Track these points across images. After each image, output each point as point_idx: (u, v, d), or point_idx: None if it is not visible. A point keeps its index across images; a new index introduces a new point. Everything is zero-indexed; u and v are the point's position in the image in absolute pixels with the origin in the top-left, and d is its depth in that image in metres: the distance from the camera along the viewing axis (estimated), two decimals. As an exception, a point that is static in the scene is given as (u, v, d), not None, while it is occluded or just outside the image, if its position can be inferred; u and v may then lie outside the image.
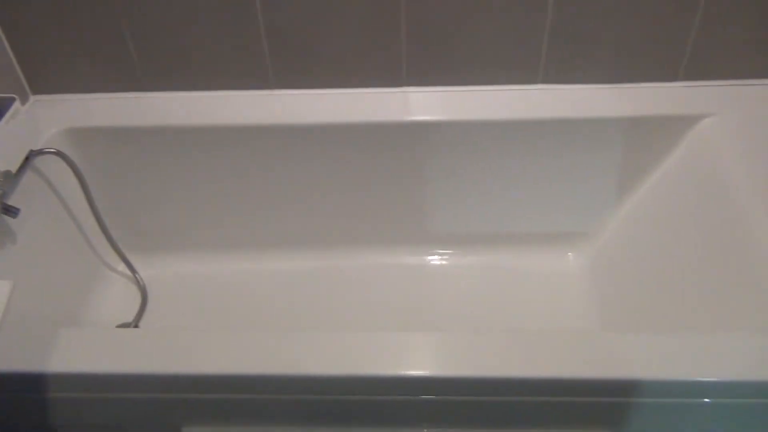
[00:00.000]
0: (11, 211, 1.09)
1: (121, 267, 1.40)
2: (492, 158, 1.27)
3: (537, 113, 1.21)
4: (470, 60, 1.22)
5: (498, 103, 1.23)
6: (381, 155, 1.27)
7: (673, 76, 1.22)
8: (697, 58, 1.19)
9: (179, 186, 1.34)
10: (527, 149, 1.25)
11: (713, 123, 1.17)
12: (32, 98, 1.30)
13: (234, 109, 1.26)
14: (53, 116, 1.26)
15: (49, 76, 1.27)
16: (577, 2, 1.13)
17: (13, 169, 1.12)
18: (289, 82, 1.26)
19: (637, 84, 1.24)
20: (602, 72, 1.22)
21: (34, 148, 1.18)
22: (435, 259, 1.38)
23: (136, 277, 1.38)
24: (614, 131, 1.22)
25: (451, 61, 1.22)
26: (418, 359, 0.84)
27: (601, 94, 1.23)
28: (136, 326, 1.32)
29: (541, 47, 1.19)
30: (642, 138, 1.22)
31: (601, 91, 1.23)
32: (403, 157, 1.27)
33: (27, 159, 1.17)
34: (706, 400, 0.83)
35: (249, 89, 1.28)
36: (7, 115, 1.12)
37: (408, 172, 1.29)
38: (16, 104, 1.14)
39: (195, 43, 1.21)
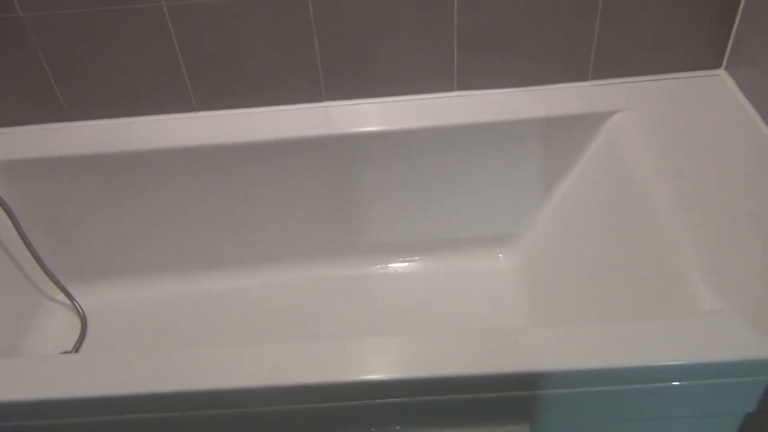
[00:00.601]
0: (-64, 248, 1.10)
1: (60, 296, 1.41)
2: (417, 166, 1.30)
3: (455, 119, 1.25)
4: (386, 72, 1.25)
5: (417, 112, 1.26)
6: (306, 170, 1.29)
7: (583, 76, 1.26)
8: (603, 57, 1.24)
9: (112, 213, 1.35)
10: (450, 156, 1.29)
11: (622, 118, 1.21)
12: (-43, 135, 1.31)
13: (160, 133, 1.28)
14: (-21, 151, 1.27)
15: (-28, 111, 1.28)
16: (479, 8, 1.17)
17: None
18: (211, 103, 1.28)
19: (551, 85, 1.28)
20: (515, 76, 1.26)
21: (-41, 184, 1.19)
22: (369, 268, 1.41)
23: (75, 306, 1.39)
24: (531, 132, 1.26)
25: (368, 73, 1.25)
26: (356, 365, 0.85)
27: (517, 98, 1.27)
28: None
29: (452, 55, 1.23)
30: (558, 137, 1.26)
31: (516, 94, 1.27)
32: (328, 171, 1.29)
33: (-49, 195, 1.18)
34: (624, 386, 0.86)
35: (173, 113, 1.30)
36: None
37: (335, 185, 1.32)
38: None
39: (114, 69, 1.23)
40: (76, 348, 1.34)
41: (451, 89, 1.28)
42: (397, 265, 1.41)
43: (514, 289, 1.34)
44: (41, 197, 1.32)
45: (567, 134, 1.25)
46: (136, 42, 1.20)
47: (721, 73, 1.26)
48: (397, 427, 0.91)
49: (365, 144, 1.26)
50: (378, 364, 0.85)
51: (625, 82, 1.27)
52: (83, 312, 1.39)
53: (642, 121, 1.19)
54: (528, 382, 0.85)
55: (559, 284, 1.25)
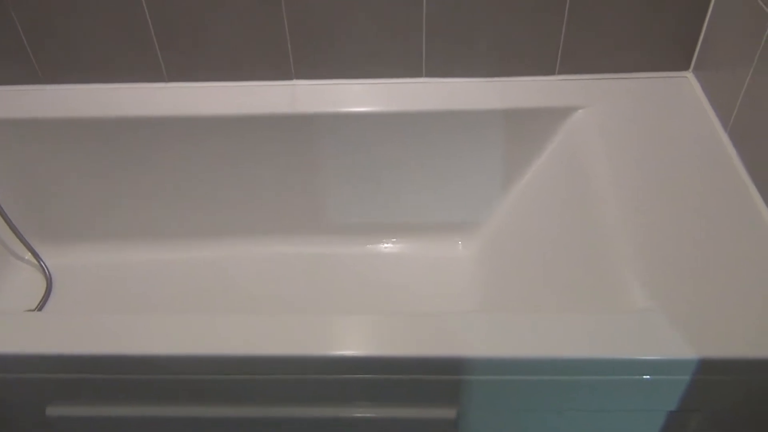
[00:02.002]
0: None
1: (28, 256, 1.44)
2: (381, 150, 1.31)
3: (422, 105, 1.26)
4: (355, 54, 1.26)
5: (385, 96, 1.28)
6: (272, 147, 1.31)
7: (550, 71, 1.27)
8: (571, 53, 1.24)
9: (82, 176, 1.37)
10: (415, 141, 1.30)
11: (585, 114, 1.22)
12: (-67, 91, 1.33)
13: (130, 101, 1.29)
14: (-48, 109, 1.30)
15: (-53, 69, 1.30)
16: (448, -2, 1.18)
17: None
18: (181, 75, 1.30)
19: (517, 78, 1.28)
20: (483, 66, 1.27)
21: (-72, 140, 1.21)
22: (329, 248, 1.43)
23: (41, 266, 1.42)
24: (496, 123, 1.27)
25: (337, 54, 1.26)
26: (286, 339, 0.87)
27: (482, 88, 1.28)
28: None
29: (421, 41, 1.24)
30: (522, 129, 1.27)
31: (483, 84, 1.28)
32: (295, 149, 1.31)
33: None
34: (549, 377, 0.88)
35: (144, 82, 1.31)
36: None
37: (300, 164, 1.33)
38: None
39: (88, 36, 1.25)
40: (40, 307, 1.37)
41: (419, 75, 1.29)
42: (356, 247, 1.43)
43: (470, 276, 1.36)
44: (12, 158, 1.34)
45: (530, 127, 1.26)
46: (110, 10, 1.21)
47: (689, 75, 1.27)
48: (328, 403, 0.93)
49: (331, 124, 1.28)
50: (308, 341, 0.87)
51: (591, 79, 1.27)
52: (49, 272, 1.42)
53: (604, 118, 1.20)
54: (456, 367, 0.87)
55: (513, 274, 1.27)
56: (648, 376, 0.86)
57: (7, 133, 1.31)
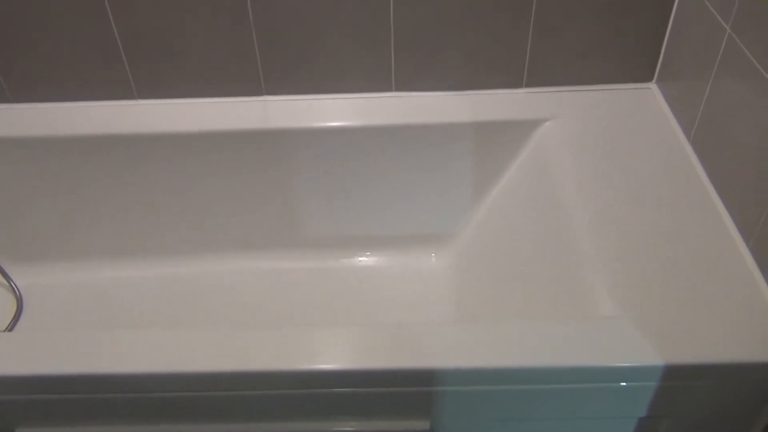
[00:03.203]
0: None
1: (-3, 276, 1.42)
2: (353, 164, 1.32)
3: (391, 119, 1.27)
4: (325, 69, 1.27)
5: (354, 110, 1.29)
6: (244, 163, 1.31)
7: (517, 84, 1.29)
8: (537, 66, 1.27)
9: (52, 195, 1.36)
10: (386, 155, 1.31)
11: (552, 126, 1.24)
12: None
13: (100, 119, 1.29)
14: None
15: None
16: (415, 11, 1.19)
17: None
18: (151, 92, 1.30)
19: (486, 91, 1.30)
20: (451, 80, 1.29)
21: None
22: (304, 263, 1.43)
23: (11, 285, 1.40)
24: (465, 136, 1.28)
25: (307, 69, 1.27)
26: (258, 354, 0.87)
27: (452, 101, 1.29)
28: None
29: (389, 56, 1.25)
30: (491, 142, 1.28)
31: (452, 98, 1.30)
32: (267, 164, 1.31)
33: None
34: (518, 386, 0.89)
35: (114, 99, 1.31)
36: None
37: (272, 179, 1.34)
38: None
39: (57, 53, 1.24)
40: (10, 327, 1.35)
41: (388, 89, 1.30)
42: (330, 261, 1.43)
43: (444, 288, 1.37)
44: (-20, 177, 1.32)
45: (499, 139, 1.28)
46: (78, 27, 1.21)
47: (652, 86, 1.30)
48: (299, 418, 0.93)
49: (303, 139, 1.28)
50: (282, 356, 0.87)
51: (557, 91, 1.30)
52: (19, 292, 1.40)
53: (571, 129, 1.22)
54: (428, 378, 0.87)
55: (486, 284, 1.28)
56: (617, 383, 0.87)
57: (-26, 153, 1.29)
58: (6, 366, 0.88)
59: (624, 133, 1.21)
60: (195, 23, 1.21)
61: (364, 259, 1.43)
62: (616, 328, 0.89)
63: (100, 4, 1.18)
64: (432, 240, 1.42)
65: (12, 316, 1.37)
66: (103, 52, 1.24)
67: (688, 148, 1.16)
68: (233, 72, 1.27)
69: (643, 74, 1.29)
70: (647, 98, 1.28)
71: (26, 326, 1.36)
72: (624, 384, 0.87)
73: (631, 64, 1.27)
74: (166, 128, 1.27)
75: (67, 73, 1.27)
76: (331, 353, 0.88)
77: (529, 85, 1.29)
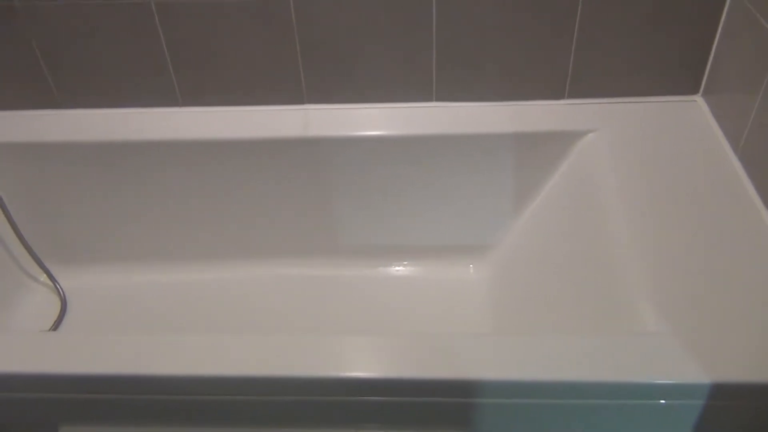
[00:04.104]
0: None
1: (43, 277, 1.45)
2: (392, 173, 1.32)
3: (431, 129, 1.27)
4: (366, 78, 1.28)
5: (394, 120, 1.29)
6: (285, 170, 1.32)
7: (560, 95, 1.28)
8: (580, 77, 1.25)
9: (97, 199, 1.39)
10: (426, 165, 1.31)
11: (594, 138, 1.23)
12: (-47, 115, 1.36)
13: (144, 125, 1.32)
14: (-29, 133, 1.32)
15: (-31, 94, 1.33)
16: (458, 22, 1.19)
17: None
18: (194, 99, 1.32)
19: (527, 102, 1.29)
20: (493, 90, 1.28)
21: (-52, 163, 1.23)
22: (340, 271, 1.43)
23: (56, 287, 1.43)
24: (506, 147, 1.27)
25: (348, 79, 1.28)
26: (294, 361, 0.88)
27: (493, 112, 1.29)
28: (52, 334, 1.37)
29: (431, 66, 1.25)
30: (532, 153, 1.28)
31: (493, 108, 1.29)
32: (306, 172, 1.32)
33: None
34: (558, 401, 0.87)
35: (159, 106, 1.33)
36: None
37: (312, 187, 1.35)
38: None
39: (104, 60, 1.27)
40: (55, 327, 1.38)
41: (429, 99, 1.30)
42: (367, 270, 1.43)
43: (481, 299, 1.36)
44: (29, 181, 1.36)
45: (541, 150, 1.27)
46: (126, 36, 1.24)
47: (698, 99, 1.28)
48: (333, 425, 0.93)
49: (342, 148, 1.29)
50: (317, 362, 0.88)
51: (600, 103, 1.28)
52: (64, 293, 1.43)
53: (614, 142, 1.21)
54: (463, 390, 0.87)
55: (524, 297, 1.27)
56: (660, 401, 0.85)
57: (24, 157, 1.33)
58: (50, 365, 0.90)
59: (668, 146, 1.19)
60: (240, 33, 1.23)
61: (401, 269, 1.43)
62: (658, 344, 0.87)
63: (149, 14, 1.21)
64: (470, 251, 1.41)
65: (56, 316, 1.40)
66: (149, 60, 1.27)
67: (736, 162, 1.13)
68: (276, 81, 1.29)
69: (688, 86, 1.27)
70: (693, 111, 1.26)
71: (69, 326, 1.39)
72: (667, 401, 0.85)
73: (676, 76, 1.25)
74: (208, 135, 1.29)
75: (114, 80, 1.30)
76: (365, 361, 0.88)
77: (571, 96, 1.28)
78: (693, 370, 0.84)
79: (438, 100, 1.30)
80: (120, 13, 1.21)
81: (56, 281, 1.43)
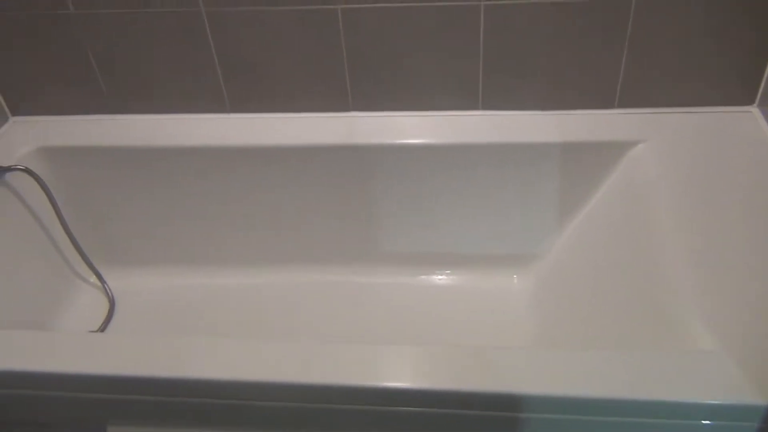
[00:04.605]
0: (-22, 224, 1.19)
1: (92, 278, 1.49)
2: (437, 181, 1.32)
3: (477, 138, 1.26)
4: (412, 86, 1.28)
5: (440, 128, 1.29)
6: (329, 176, 1.33)
7: (609, 104, 1.26)
8: (631, 85, 1.23)
9: (145, 203, 1.42)
10: (472, 173, 1.30)
11: (645, 149, 1.20)
12: (11, 119, 1.40)
13: (193, 131, 1.34)
14: (28, 136, 1.36)
15: (25, 99, 1.37)
16: (505, 30, 1.18)
17: (-19, 184, 1.22)
18: (242, 106, 1.34)
19: (575, 111, 1.27)
20: (541, 99, 1.27)
21: (4, 166, 1.27)
22: (382, 278, 1.43)
23: (105, 288, 1.47)
24: (553, 156, 1.26)
25: (394, 87, 1.28)
26: (336, 369, 0.88)
27: (540, 121, 1.27)
28: (100, 334, 1.40)
29: (477, 74, 1.24)
30: (580, 163, 1.26)
31: (540, 117, 1.28)
32: (351, 179, 1.33)
33: (-3, 175, 1.26)
34: (605, 418, 0.86)
35: (207, 113, 1.36)
36: (-22, 135, 1.22)
37: (356, 194, 1.35)
38: (-12, 125, 1.24)
39: (155, 68, 1.30)
40: (103, 328, 1.41)
41: (475, 107, 1.29)
42: (408, 278, 1.43)
43: (525, 310, 1.34)
44: (80, 183, 1.39)
45: (588, 161, 1.25)
46: (176, 43, 1.26)
47: (753, 110, 1.24)
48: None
49: (387, 155, 1.29)
50: (357, 371, 0.88)
51: (651, 113, 1.25)
52: (112, 294, 1.46)
53: (665, 153, 1.18)
54: (505, 404, 0.85)
55: (569, 310, 1.25)
56: (709, 422, 0.83)
57: (76, 160, 1.36)
58: (98, 365, 0.92)
59: (721, 158, 1.16)
60: (288, 41, 1.24)
61: (444, 277, 1.42)
62: (709, 362, 0.85)
63: (200, 22, 1.23)
64: (514, 261, 1.39)
65: (104, 317, 1.43)
66: (199, 67, 1.29)
67: (793, 176, 1.09)
68: (322, 88, 1.29)
69: (743, 97, 1.23)
70: (748, 122, 1.22)
71: (117, 327, 1.42)
72: (717, 422, 0.83)
73: (730, 85, 1.22)
74: (255, 141, 1.31)
75: (164, 87, 1.33)
76: (403, 371, 0.87)
77: (621, 105, 1.26)
78: (746, 391, 0.81)
79: (484, 108, 1.29)
80: (171, 21, 1.23)
81: (105, 282, 1.47)
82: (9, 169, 1.27)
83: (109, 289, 1.47)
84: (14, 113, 1.40)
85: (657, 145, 1.19)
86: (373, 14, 1.19)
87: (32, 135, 1.37)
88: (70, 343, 0.95)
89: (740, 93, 1.23)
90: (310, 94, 1.31)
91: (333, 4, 1.18)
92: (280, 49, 1.25)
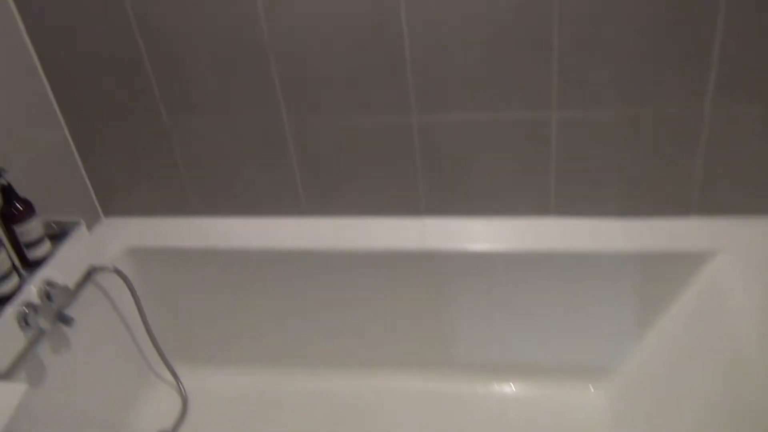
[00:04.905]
0: (66, 320, 1.24)
1: (168, 375, 1.52)
2: (508, 288, 1.30)
3: (549, 245, 1.25)
4: (484, 191, 1.29)
5: (511, 233, 1.29)
6: (400, 281, 1.34)
7: (686, 211, 1.23)
8: (708, 192, 1.21)
9: (223, 303, 1.46)
10: (544, 280, 1.28)
11: (726, 260, 1.16)
12: (104, 219, 1.49)
13: (271, 233, 1.39)
14: (118, 236, 1.44)
15: (117, 200, 1.47)
16: (578, 140, 1.19)
17: (72, 284, 1.28)
18: (320, 209, 1.39)
19: (651, 218, 1.25)
20: (614, 206, 1.26)
21: (96, 265, 1.34)
22: (454, 385, 1.40)
23: (179, 386, 1.49)
24: (628, 265, 1.23)
25: (466, 192, 1.30)
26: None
27: (614, 228, 1.26)
28: (172, 433, 1.42)
29: (549, 180, 1.25)
30: (656, 273, 1.22)
31: (615, 224, 1.26)
32: (422, 284, 1.33)
33: (88, 275, 1.33)
34: None
35: (285, 215, 1.41)
36: (73, 236, 1.29)
37: (427, 299, 1.35)
38: (83, 228, 1.31)
39: (238, 172, 1.37)
40: (174, 428, 1.43)
41: (547, 214, 1.29)
42: (480, 386, 1.39)
43: (602, 424, 1.28)
44: (163, 282, 1.45)
45: (665, 271, 1.21)
46: (258, 150, 1.33)
47: (843, 218, 1.19)
48: None
49: (459, 262, 1.29)
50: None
51: (731, 221, 1.22)
52: (186, 393, 1.49)
53: (747, 263, 1.14)
54: None
55: (651, 427, 1.18)
56: None
57: (161, 260, 1.43)
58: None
59: (811, 269, 1.11)
60: (365, 149, 1.29)
61: (515, 387, 1.38)
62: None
63: (281, 132, 1.30)
64: (591, 371, 1.34)
65: (177, 416, 1.45)
66: (278, 172, 1.35)
67: None
68: (395, 191, 1.33)
69: (831, 205, 1.19)
70: (838, 231, 1.17)
71: (188, 428, 1.43)
72: None
73: (816, 193, 1.18)
74: (329, 245, 1.34)
75: (244, 190, 1.40)
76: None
77: (699, 213, 1.23)
78: None
79: (556, 214, 1.29)
80: (254, 130, 1.31)
81: (180, 381, 1.49)
82: (99, 269, 1.34)
83: (184, 388, 1.49)
84: (107, 214, 1.49)
85: (737, 256, 1.15)
86: (447, 123, 1.23)
87: (122, 235, 1.45)
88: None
89: (827, 201, 1.18)
90: (383, 198, 1.34)
91: (408, 116, 1.23)
92: (358, 151, 1.30)
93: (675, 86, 1.12)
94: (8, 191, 1.17)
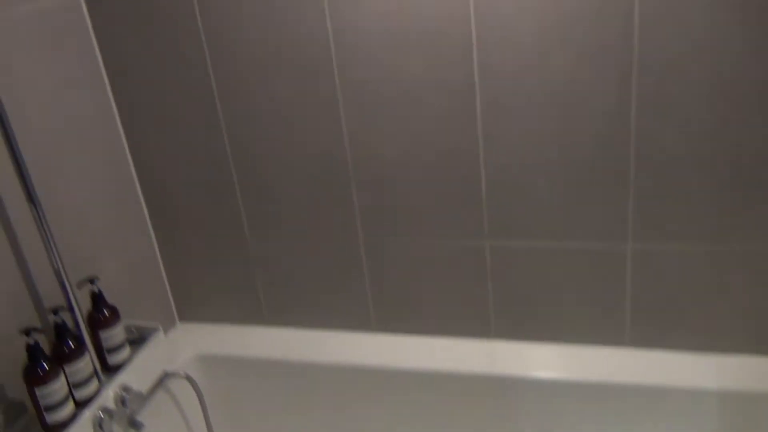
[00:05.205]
0: (137, 426, 1.26)
1: (228, 487, 1.51)
2: (579, 420, 1.26)
3: (623, 377, 1.22)
4: (556, 318, 1.28)
5: (584, 362, 1.26)
6: (465, 403, 1.31)
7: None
8: (793, 333, 1.17)
9: (290, 415, 1.46)
10: (615, 415, 1.24)
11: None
12: (178, 325, 1.54)
13: (339, 348, 1.40)
14: (190, 342, 1.48)
15: (192, 306, 1.51)
16: (655, 272, 1.18)
17: (145, 389, 1.31)
18: (387, 326, 1.40)
19: (735, 355, 1.21)
20: (694, 339, 1.22)
21: (168, 371, 1.37)
22: None
23: (236, 498, 1.48)
24: (709, 404, 1.18)
25: (537, 317, 1.29)
26: None
27: (694, 363, 1.21)
28: None
29: (625, 309, 1.23)
30: (740, 414, 1.17)
31: (694, 359, 1.22)
32: (487, 408, 1.31)
33: (160, 380, 1.36)
34: None
35: (354, 330, 1.42)
36: (151, 343, 1.34)
37: (490, 425, 1.32)
38: (160, 333, 1.36)
39: (309, 286, 1.41)
40: None
41: (622, 343, 1.27)
42: None
43: None
44: (231, 389, 1.47)
45: (751, 412, 1.16)
46: (334, 262, 1.37)
47: None
48: None
49: (526, 388, 1.27)
50: None
51: (820, 362, 1.17)
52: (242, 506, 1.47)
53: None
54: None
55: None
56: None
57: (230, 369, 1.45)
58: None
59: None
60: (436, 263, 1.31)
61: None
62: None
63: (357, 252, 1.33)
64: None
65: None
66: (350, 286, 1.38)
67: None
68: (466, 312, 1.33)
69: None
70: None
71: None
72: None
73: None
74: (397, 364, 1.34)
75: (316, 303, 1.43)
76: None
77: (783, 352, 1.19)
78: None
79: (631, 344, 1.26)
80: (332, 249, 1.35)
81: (237, 491, 1.48)
82: (172, 375, 1.37)
83: (240, 500, 1.47)
84: (182, 319, 1.54)
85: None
86: (521, 252, 1.24)
87: (194, 341, 1.48)
88: None
89: None
90: (454, 318, 1.35)
91: (481, 240, 1.25)
92: (430, 270, 1.32)
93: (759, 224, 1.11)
94: (98, 298, 1.23)
